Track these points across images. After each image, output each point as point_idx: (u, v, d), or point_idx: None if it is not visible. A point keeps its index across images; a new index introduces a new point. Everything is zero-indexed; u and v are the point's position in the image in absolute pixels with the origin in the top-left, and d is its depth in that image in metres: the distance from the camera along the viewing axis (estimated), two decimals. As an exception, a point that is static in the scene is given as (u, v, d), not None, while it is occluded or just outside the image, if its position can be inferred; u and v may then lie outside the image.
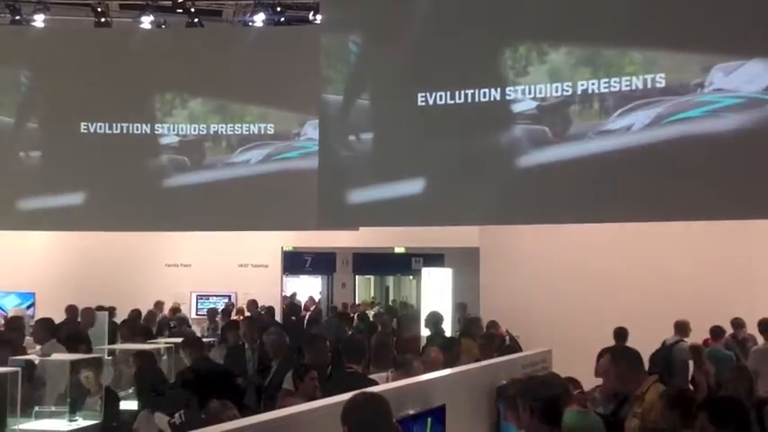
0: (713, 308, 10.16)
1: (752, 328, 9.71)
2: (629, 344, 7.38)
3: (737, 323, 9.93)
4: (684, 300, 10.42)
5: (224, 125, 13.50)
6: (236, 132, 13.43)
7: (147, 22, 14.37)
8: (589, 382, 5.53)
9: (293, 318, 14.00)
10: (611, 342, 8.30)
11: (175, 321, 12.76)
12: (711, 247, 11.16)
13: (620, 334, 9.18)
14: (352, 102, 11.22)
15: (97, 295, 13.06)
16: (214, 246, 15.22)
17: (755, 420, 5.21)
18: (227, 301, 15.43)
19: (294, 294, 19.36)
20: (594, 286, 11.43)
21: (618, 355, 5.07)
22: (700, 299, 10.47)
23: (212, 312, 13.36)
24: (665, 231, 10.93)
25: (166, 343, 9.23)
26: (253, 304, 13.45)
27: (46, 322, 9.08)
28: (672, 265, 11.22)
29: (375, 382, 5.48)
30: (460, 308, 13.20)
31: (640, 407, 4.77)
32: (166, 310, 13.77)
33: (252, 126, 13.40)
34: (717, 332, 9.60)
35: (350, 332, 11.29)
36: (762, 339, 9.15)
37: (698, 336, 9.63)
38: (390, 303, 19.01)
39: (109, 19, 14.75)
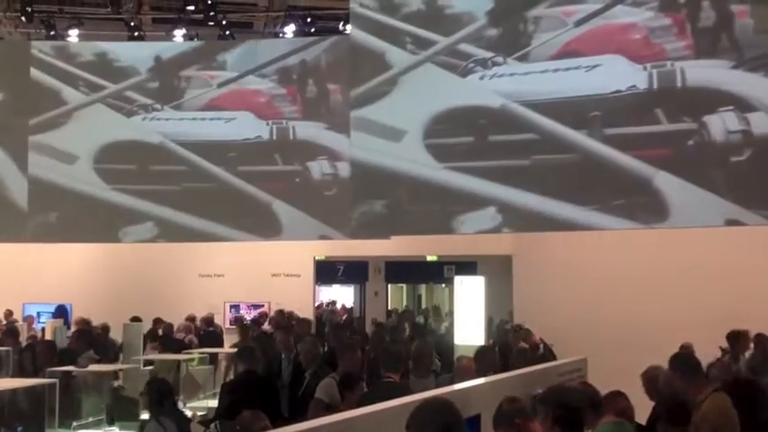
0: (755, 316, 9.98)
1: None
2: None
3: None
4: (721, 306, 10.25)
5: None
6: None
7: (179, 35, 14.53)
8: (625, 390, 5.45)
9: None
10: (647, 350, 8.15)
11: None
12: (755, 250, 10.95)
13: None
14: (383, 109, 11.24)
15: (132, 306, 13.21)
16: (247, 256, 15.28)
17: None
18: (254, 311, 15.45)
19: (334, 302, 19.47)
20: (629, 293, 11.30)
21: (677, 363, 5.01)
22: (741, 304, 10.28)
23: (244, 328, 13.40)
24: (703, 235, 10.77)
25: (200, 353, 9.30)
26: (280, 314, 13.48)
27: (83, 334, 9.20)
28: (711, 270, 11.04)
29: (412, 391, 5.46)
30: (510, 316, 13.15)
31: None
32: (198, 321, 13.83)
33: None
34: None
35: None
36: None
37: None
38: (405, 309, 18.98)
39: (142, 33, 14.94)
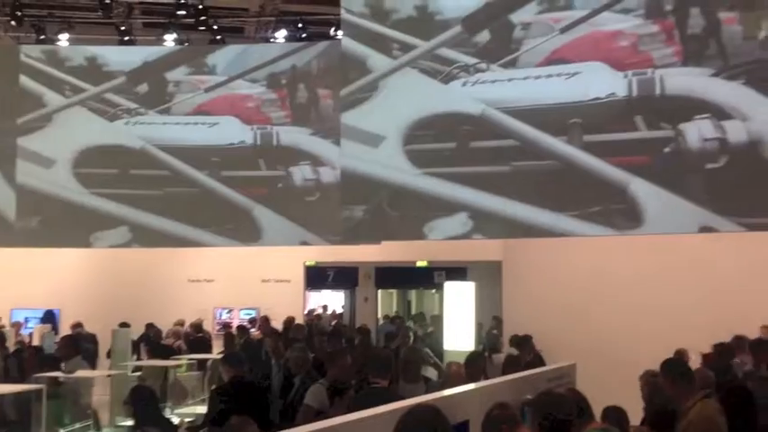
0: (744, 318, 10.00)
1: None
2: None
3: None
4: (715, 311, 10.27)
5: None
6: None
7: (170, 39, 14.51)
8: (613, 396, 5.46)
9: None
10: (635, 356, 8.19)
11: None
12: (743, 255, 10.99)
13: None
14: (366, 115, 11.27)
15: (121, 311, 13.15)
16: (237, 261, 15.27)
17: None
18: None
19: (325, 307, 19.46)
20: (619, 299, 11.30)
21: (666, 368, 5.02)
22: (731, 309, 10.31)
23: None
24: (693, 242, 10.81)
25: (189, 359, 9.26)
26: (265, 321, 13.45)
27: (71, 339, 9.15)
28: (700, 275, 11.07)
29: (401, 397, 5.45)
30: (495, 322, 13.15)
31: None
32: (186, 326, 13.78)
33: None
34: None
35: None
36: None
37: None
38: (396, 315, 18.99)
39: (133, 37, 14.92)
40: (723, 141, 9.54)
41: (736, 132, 9.48)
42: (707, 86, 9.64)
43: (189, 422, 7.97)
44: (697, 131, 9.61)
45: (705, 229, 9.70)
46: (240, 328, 12.34)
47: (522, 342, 9.42)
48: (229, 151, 13.45)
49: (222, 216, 13.28)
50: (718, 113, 9.59)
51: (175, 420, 7.82)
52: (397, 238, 12.53)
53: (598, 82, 10.11)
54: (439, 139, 10.91)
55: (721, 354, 8.13)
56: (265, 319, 13.42)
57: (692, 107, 9.69)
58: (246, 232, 13.21)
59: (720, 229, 9.61)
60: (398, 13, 11.45)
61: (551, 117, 10.29)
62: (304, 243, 13.34)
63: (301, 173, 13.10)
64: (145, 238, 13.56)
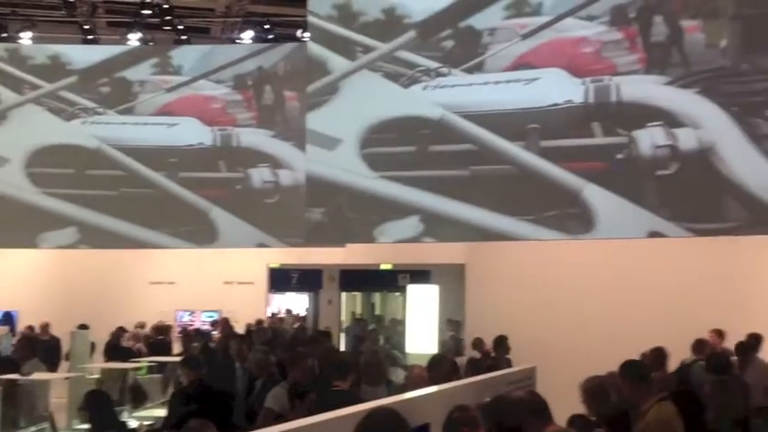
0: (700, 322, 10.15)
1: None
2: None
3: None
4: (673, 315, 10.41)
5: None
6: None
7: (134, 39, 14.36)
8: (574, 399, 5.49)
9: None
10: (597, 358, 8.23)
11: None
12: (699, 260, 11.16)
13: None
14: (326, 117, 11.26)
15: (80, 314, 12.97)
16: (199, 263, 15.14)
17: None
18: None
19: (289, 310, 19.40)
20: (580, 302, 11.41)
21: (625, 371, 5.06)
22: (689, 313, 10.45)
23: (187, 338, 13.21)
24: (652, 245, 10.95)
25: (149, 362, 9.17)
26: (225, 323, 13.36)
27: (28, 341, 9.01)
28: (659, 279, 11.22)
29: (362, 400, 5.44)
30: (452, 325, 13.18)
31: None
32: (148, 329, 13.63)
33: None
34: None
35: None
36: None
37: (683, 351, 9.60)
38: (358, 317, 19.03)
39: (96, 36, 14.74)
40: (674, 148, 9.72)
41: (687, 140, 9.66)
42: (661, 94, 9.82)
43: (148, 425, 7.88)
44: (649, 138, 9.78)
45: (654, 235, 9.87)
46: (197, 331, 12.31)
47: (498, 343, 9.43)
48: (188, 152, 13.33)
49: (178, 217, 13.14)
50: (671, 121, 9.76)
51: (134, 424, 7.73)
52: (349, 242, 12.54)
53: (556, 88, 10.23)
54: (398, 143, 10.94)
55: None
56: (225, 321, 13.34)
57: (646, 114, 9.85)
58: (203, 234, 13.08)
59: (669, 234, 9.79)
60: (366, 16, 11.45)
61: (510, 122, 10.39)
62: (261, 245, 13.24)
63: (260, 175, 13.01)
64: (94, 239, 13.36)
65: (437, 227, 10.81)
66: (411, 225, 10.71)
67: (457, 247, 12.90)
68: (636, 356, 8.30)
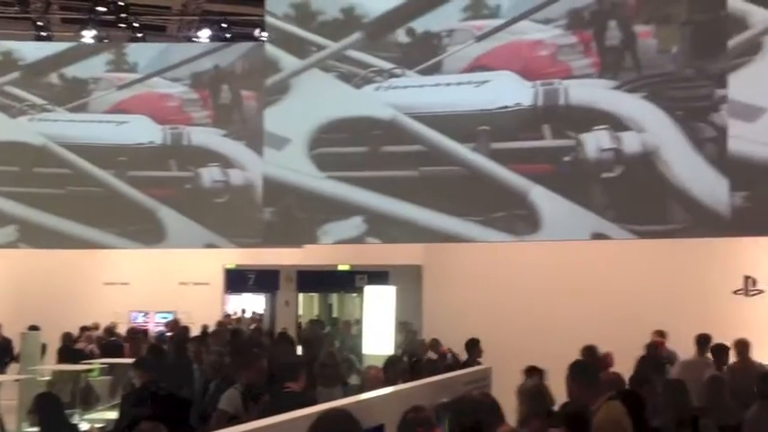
0: (652, 322, 10.31)
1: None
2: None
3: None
4: (625, 315, 10.55)
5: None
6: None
7: (89, 36, 14.16)
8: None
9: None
10: (553, 359, 8.32)
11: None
12: (651, 261, 11.33)
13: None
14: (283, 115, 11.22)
15: (31, 314, 12.73)
16: (154, 263, 14.98)
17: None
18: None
19: (244, 311, 19.30)
20: (537, 303, 11.51)
21: (574, 371, 5.10)
22: (640, 313, 10.61)
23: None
24: (608, 246, 11.08)
25: (101, 364, 9.06)
26: (176, 324, 13.23)
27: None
28: (614, 280, 11.36)
29: (315, 402, 5.42)
30: (403, 327, 13.20)
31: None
32: (101, 331, 13.44)
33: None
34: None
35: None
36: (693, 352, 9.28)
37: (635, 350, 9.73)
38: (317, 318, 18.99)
39: (50, 33, 14.51)
40: (619, 152, 9.89)
41: (631, 143, 9.83)
42: (608, 98, 9.98)
43: (99, 428, 7.78)
44: (595, 141, 9.93)
45: (598, 237, 10.03)
46: (143, 332, 12.21)
47: (471, 346, 9.43)
48: (138, 151, 13.14)
49: (126, 217, 12.93)
50: (617, 125, 9.92)
51: (85, 426, 7.63)
52: (292, 243, 12.52)
53: (507, 91, 10.33)
54: (349, 143, 10.94)
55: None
56: (175, 322, 13.22)
57: (593, 118, 10.01)
58: (150, 234, 12.89)
59: (613, 236, 9.95)
60: (324, 16, 11.42)
61: (460, 124, 10.47)
62: (210, 246, 13.10)
63: (210, 174, 12.87)
64: (35, 238, 13.10)
65: (382, 227, 10.83)
66: (354, 225, 10.73)
67: (414, 249, 12.93)
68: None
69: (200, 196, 12.85)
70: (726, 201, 9.43)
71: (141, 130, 13.12)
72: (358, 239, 11.06)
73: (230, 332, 12.61)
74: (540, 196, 10.03)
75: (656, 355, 9.07)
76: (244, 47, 13.54)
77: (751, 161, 9.39)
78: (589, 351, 8.32)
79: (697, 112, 9.71)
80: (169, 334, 12.66)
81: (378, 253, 13.58)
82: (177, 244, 13.19)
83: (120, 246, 13.13)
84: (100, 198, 12.99)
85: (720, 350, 8.48)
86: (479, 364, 9.18)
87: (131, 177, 12.99)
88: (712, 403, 6.85)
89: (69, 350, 11.15)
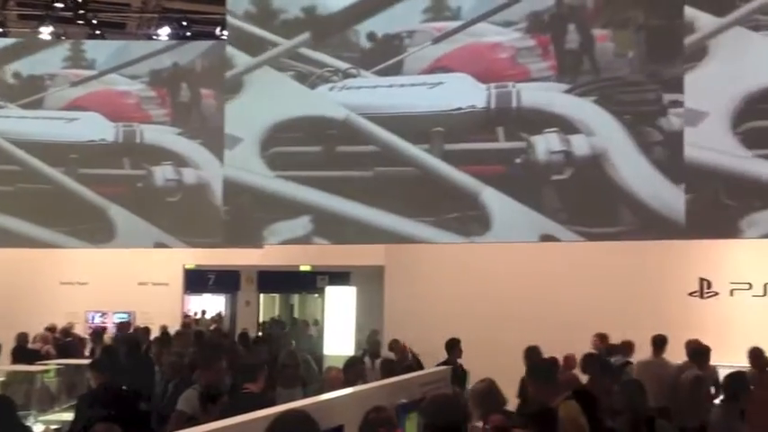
0: (609, 324, 10.45)
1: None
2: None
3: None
4: (584, 317, 10.67)
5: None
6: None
7: (46, 33, 13.96)
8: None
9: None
10: (513, 359, 8.42)
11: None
12: (609, 263, 11.49)
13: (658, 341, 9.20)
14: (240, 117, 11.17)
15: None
16: (112, 263, 14.79)
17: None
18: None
19: (204, 312, 19.17)
20: (497, 304, 11.61)
21: (531, 371, 5.16)
22: (598, 315, 10.74)
23: (97, 334, 12.92)
24: (563, 249, 11.20)
25: (57, 365, 8.94)
26: (126, 326, 13.08)
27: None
28: (572, 282, 11.51)
29: (274, 403, 5.41)
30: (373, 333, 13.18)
31: None
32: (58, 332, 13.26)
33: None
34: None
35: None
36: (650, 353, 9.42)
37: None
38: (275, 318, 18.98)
39: (7, 30, 14.28)
40: (568, 154, 9.99)
41: (580, 146, 9.95)
42: (559, 101, 10.07)
43: (55, 430, 7.68)
44: (545, 144, 10.03)
45: (546, 238, 10.14)
46: (94, 333, 12.10)
47: (451, 346, 9.43)
48: (89, 148, 12.91)
49: (75, 215, 12.68)
50: (567, 127, 10.02)
51: (40, 428, 7.52)
52: (242, 243, 12.46)
53: (461, 93, 10.38)
54: (302, 143, 10.90)
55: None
56: (123, 324, 13.07)
57: (544, 120, 10.11)
58: (100, 233, 12.67)
59: (561, 238, 10.07)
60: (286, 14, 11.37)
61: (414, 125, 10.50)
62: (160, 245, 12.93)
63: (163, 173, 12.72)
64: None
65: (330, 227, 10.81)
66: (301, 225, 10.71)
67: (377, 250, 12.94)
68: (552, 354, 8.56)
69: (151, 195, 12.66)
70: (673, 204, 9.58)
71: (93, 128, 12.91)
72: (305, 239, 11.03)
73: (194, 334, 12.55)
74: (491, 198, 10.11)
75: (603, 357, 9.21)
76: (204, 45, 13.42)
77: (698, 165, 9.55)
78: (531, 352, 8.42)
79: (644, 117, 9.85)
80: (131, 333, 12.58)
81: (340, 254, 13.57)
82: (127, 243, 12.98)
83: (70, 245, 12.90)
84: (49, 196, 12.76)
85: (702, 352, 8.59)
86: (459, 364, 9.24)
87: (82, 175, 12.75)
88: (692, 403, 6.98)
89: (24, 350, 10.97)
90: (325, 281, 16.29)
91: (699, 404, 7.41)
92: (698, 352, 8.52)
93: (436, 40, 10.56)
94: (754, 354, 8.34)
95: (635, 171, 9.73)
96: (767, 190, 9.41)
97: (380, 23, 10.90)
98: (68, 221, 12.63)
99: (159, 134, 12.79)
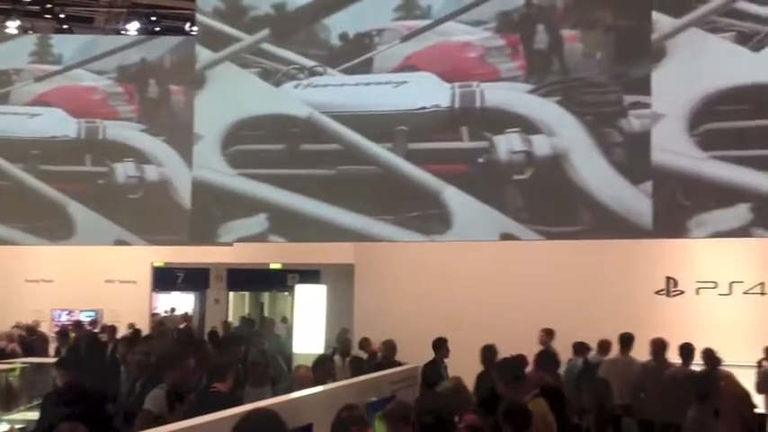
0: (576, 322, 10.54)
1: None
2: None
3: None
4: (551, 315, 10.75)
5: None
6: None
7: (13, 27, 13.77)
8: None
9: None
10: (479, 358, 8.47)
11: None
12: (576, 262, 11.57)
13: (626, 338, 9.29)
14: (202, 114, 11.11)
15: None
16: (79, 260, 14.62)
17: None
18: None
19: (173, 309, 19.02)
20: (467, 302, 11.65)
21: (499, 369, 5.19)
22: (565, 313, 10.83)
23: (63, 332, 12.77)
24: (531, 248, 11.28)
25: (23, 363, 8.84)
26: (78, 326, 12.92)
27: None
28: (539, 281, 11.59)
29: (241, 402, 5.39)
30: (343, 331, 13.18)
31: None
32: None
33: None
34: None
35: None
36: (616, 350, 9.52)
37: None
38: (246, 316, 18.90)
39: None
40: (529, 154, 10.06)
41: (541, 146, 10.01)
42: (521, 102, 10.12)
43: (19, 429, 7.59)
44: (506, 144, 10.09)
45: (506, 237, 10.20)
46: (60, 332, 11.95)
47: (438, 346, 9.40)
48: (50, 145, 12.73)
49: (34, 212, 12.51)
50: (529, 128, 10.08)
51: (5, 427, 7.44)
52: (199, 241, 12.38)
53: (425, 92, 10.40)
54: (265, 141, 10.86)
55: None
56: (77, 324, 12.89)
57: (506, 120, 10.15)
58: (59, 230, 12.50)
59: (521, 237, 10.14)
60: (256, 11, 11.30)
61: (378, 123, 10.50)
62: (120, 242, 12.80)
63: (124, 170, 12.60)
64: None
65: (286, 225, 10.78)
66: (258, 223, 10.68)
67: (347, 248, 12.93)
68: (523, 352, 8.62)
69: (113, 192, 12.51)
70: (632, 204, 9.69)
71: (56, 124, 12.74)
72: (260, 237, 10.99)
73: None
74: (452, 196, 10.14)
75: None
76: (173, 40, 13.29)
77: (659, 166, 9.66)
78: (488, 351, 8.47)
79: (605, 118, 9.94)
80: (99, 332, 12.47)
81: (310, 252, 13.55)
82: (87, 240, 12.83)
83: (28, 242, 12.72)
84: (7, 192, 12.59)
85: (687, 350, 8.72)
86: (444, 363, 9.23)
87: (42, 171, 12.59)
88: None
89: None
90: (296, 279, 16.25)
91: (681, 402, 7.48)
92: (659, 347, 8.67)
93: (405, 39, 10.57)
94: (707, 354, 8.48)
95: (595, 171, 9.81)
96: (721, 191, 9.53)
97: (351, 22, 10.88)
98: (26, 218, 12.45)
99: (122, 131, 12.65)
